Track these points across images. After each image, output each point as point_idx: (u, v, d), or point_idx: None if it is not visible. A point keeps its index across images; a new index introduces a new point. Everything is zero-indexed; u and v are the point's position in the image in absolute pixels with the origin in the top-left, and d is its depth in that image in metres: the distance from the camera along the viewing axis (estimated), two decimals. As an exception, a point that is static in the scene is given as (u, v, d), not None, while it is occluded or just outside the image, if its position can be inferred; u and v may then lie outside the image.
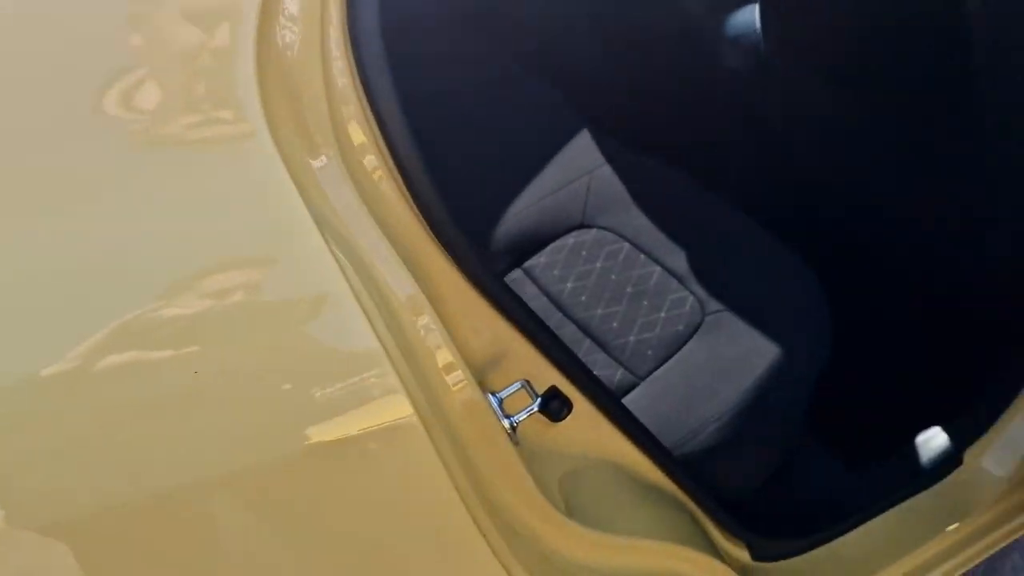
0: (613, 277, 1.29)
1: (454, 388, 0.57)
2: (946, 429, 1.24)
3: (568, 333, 1.25)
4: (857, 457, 1.24)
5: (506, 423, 0.65)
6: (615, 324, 1.23)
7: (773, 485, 1.16)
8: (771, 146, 1.62)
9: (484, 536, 0.54)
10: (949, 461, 1.22)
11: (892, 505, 1.19)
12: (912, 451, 1.23)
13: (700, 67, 1.62)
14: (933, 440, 1.24)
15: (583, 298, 1.28)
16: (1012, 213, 1.18)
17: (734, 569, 1.04)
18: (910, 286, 1.50)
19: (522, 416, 0.66)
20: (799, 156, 1.56)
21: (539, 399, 0.67)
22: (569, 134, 1.51)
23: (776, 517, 1.12)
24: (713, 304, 1.20)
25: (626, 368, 1.18)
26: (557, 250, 1.36)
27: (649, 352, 1.19)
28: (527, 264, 1.36)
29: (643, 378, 1.16)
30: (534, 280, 1.33)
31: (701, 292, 1.23)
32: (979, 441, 1.22)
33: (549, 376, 0.76)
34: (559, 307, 1.29)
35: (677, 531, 0.87)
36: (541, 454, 0.75)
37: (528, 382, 0.69)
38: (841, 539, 1.15)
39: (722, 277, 1.23)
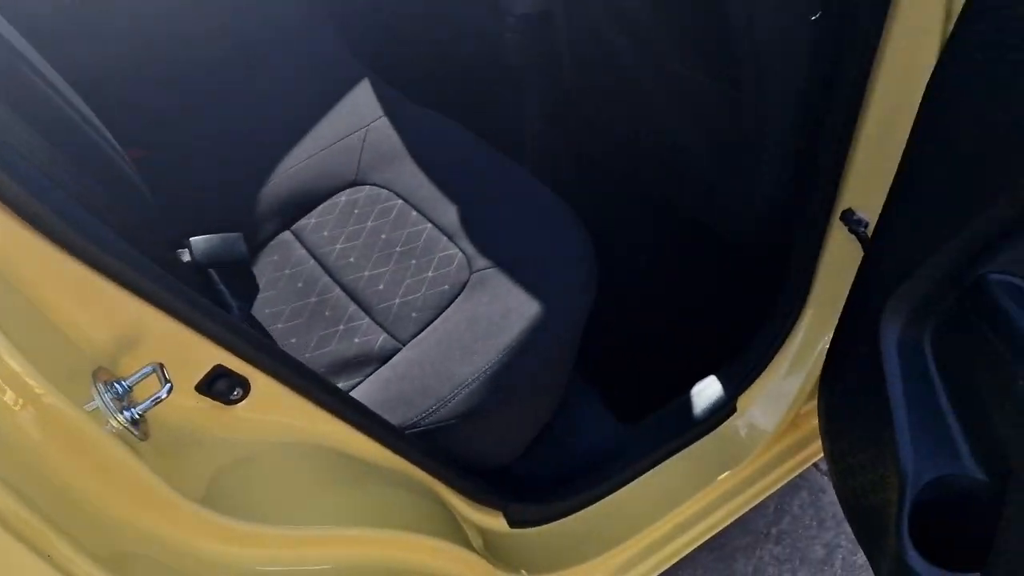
0: (383, 236, 1.22)
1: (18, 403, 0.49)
2: (719, 377, 1.24)
3: (334, 298, 1.17)
4: (629, 408, 1.23)
5: (123, 417, 0.57)
6: (381, 286, 1.17)
7: (539, 445, 1.13)
8: (552, 94, 1.57)
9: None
10: (722, 409, 1.22)
11: (666, 457, 1.18)
12: (686, 400, 1.22)
13: (481, 16, 1.54)
14: (707, 389, 1.23)
15: (352, 259, 1.21)
16: (772, 155, 1.17)
17: (488, 539, 1.01)
18: (680, 231, 1.49)
19: (148, 405, 0.59)
20: (582, 104, 1.51)
21: (168, 385, 0.59)
22: (349, 85, 1.42)
23: (540, 478, 1.09)
24: (480, 261, 1.15)
25: (389, 333, 1.12)
26: (328, 209, 1.27)
27: (413, 315, 1.12)
28: (297, 225, 1.27)
29: (405, 343, 1.10)
30: (302, 242, 1.25)
31: (470, 249, 1.17)
32: (750, 389, 1.22)
33: (217, 355, 0.68)
34: (327, 270, 1.21)
35: (397, 514, 0.81)
36: (205, 442, 0.67)
37: (161, 365, 0.61)
38: (613, 495, 1.13)
39: (491, 232, 1.18)
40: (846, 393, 1.02)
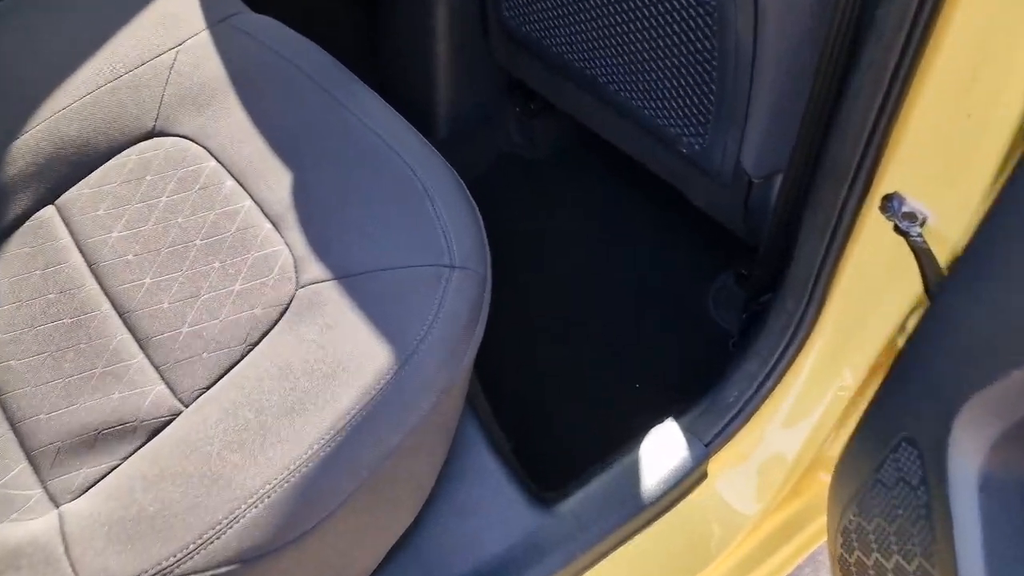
0: (179, 220, 0.80)
1: None
2: (681, 426, 0.85)
3: (98, 320, 0.76)
4: (548, 480, 0.84)
5: None
6: (165, 304, 0.76)
7: (401, 551, 0.74)
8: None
9: None
10: (686, 476, 0.83)
11: (605, 554, 0.80)
12: (631, 464, 0.83)
13: None
14: (663, 446, 0.84)
15: (130, 257, 0.79)
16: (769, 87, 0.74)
17: None
18: (631, 199, 1.07)
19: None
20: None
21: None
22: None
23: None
24: (313, 268, 0.74)
25: (166, 383, 0.72)
26: (110, 175, 0.85)
27: (204, 355, 0.72)
28: (64, 198, 0.85)
29: (187, 404, 0.71)
30: (68, 225, 0.83)
31: (301, 246, 0.76)
32: (727, 445, 0.83)
33: None
34: (95, 272, 0.80)
35: None
36: None
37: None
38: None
39: (337, 221, 0.76)
40: (881, 488, 0.64)
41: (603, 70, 0.97)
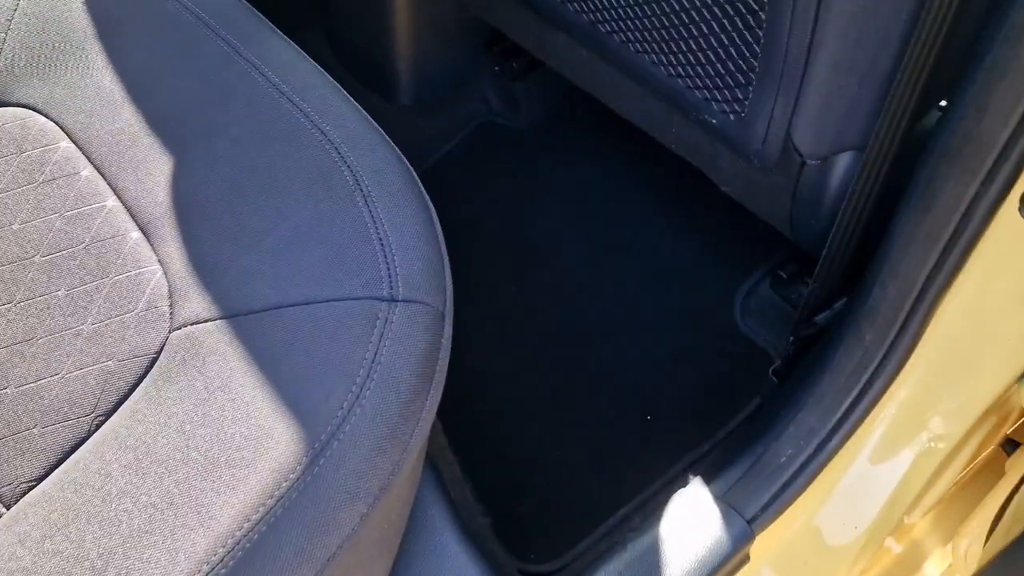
0: (14, 227, 0.57)
1: None
2: (713, 489, 0.64)
3: None
4: (536, 554, 0.63)
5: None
6: (-12, 349, 0.53)
7: None
8: None
9: None
10: (725, 560, 0.62)
11: None
12: (649, 539, 0.62)
13: None
14: (689, 515, 0.63)
15: (-54, 279, 0.56)
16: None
17: None
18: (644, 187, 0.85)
19: None
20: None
21: None
22: None
23: None
24: (195, 301, 0.51)
25: (-19, 471, 0.49)
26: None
27: (36, 430, 0.49)
28: None
29: (8, 504, 0.48)
30: None
31: (180, 264, 0.52)
32: (778, 519, 0.62)
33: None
34: None
35: None
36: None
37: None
38: None
39: (227, 228, 0.53)
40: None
41: (605, 15, 0.74)
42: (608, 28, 0.75)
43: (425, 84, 1.02)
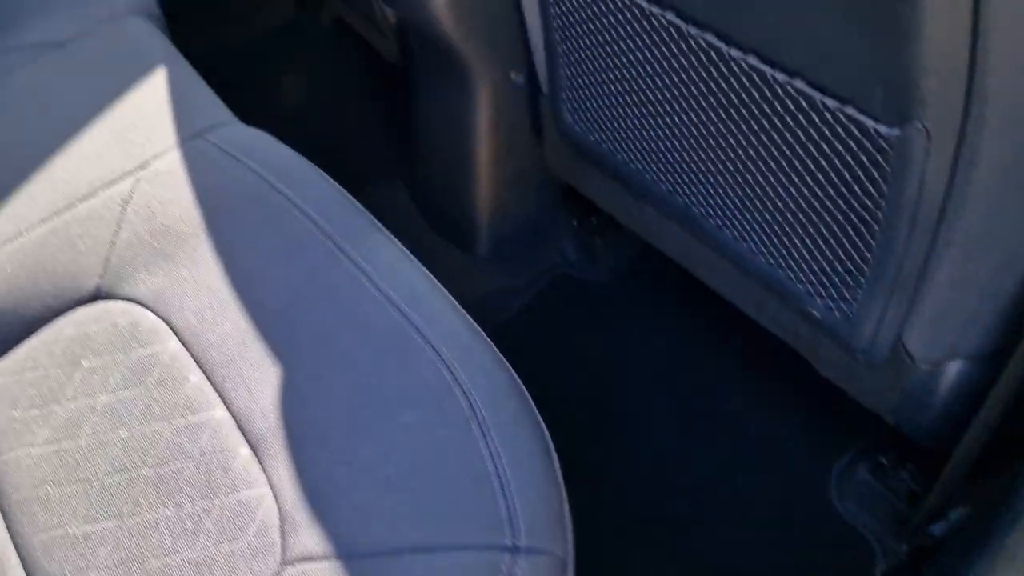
0: (123, 434, 0.57)
1: None
2: None
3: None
4: None
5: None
6: (93, 572, 0.52)
7: None
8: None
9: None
10: None
11: None
12: None
13: None
14: None
15: (50, 488, 0.56)
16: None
17: None
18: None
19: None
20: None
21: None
22: (124, 78, 0.75)
23: None
24: (306, 534, 0.50)
25: None
26: (36, 356, 0.62)
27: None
28: (-30, 386, 0.62)
29: None
30: (-28, 429, 0.60)
31: (291, 488, 0.52)
32: None
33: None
34: (1, 509, 0.56)
35: None
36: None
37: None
38: None
39: (344, 457, 0.52)
40: None
41: (700, 199, 0.73)
42: (704, 212, 0.74)
43: (503, 237, 1.03)
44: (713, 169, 0.68)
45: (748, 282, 0.76)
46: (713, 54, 0.60)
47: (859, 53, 0.50)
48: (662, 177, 0.76)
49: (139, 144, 0.70)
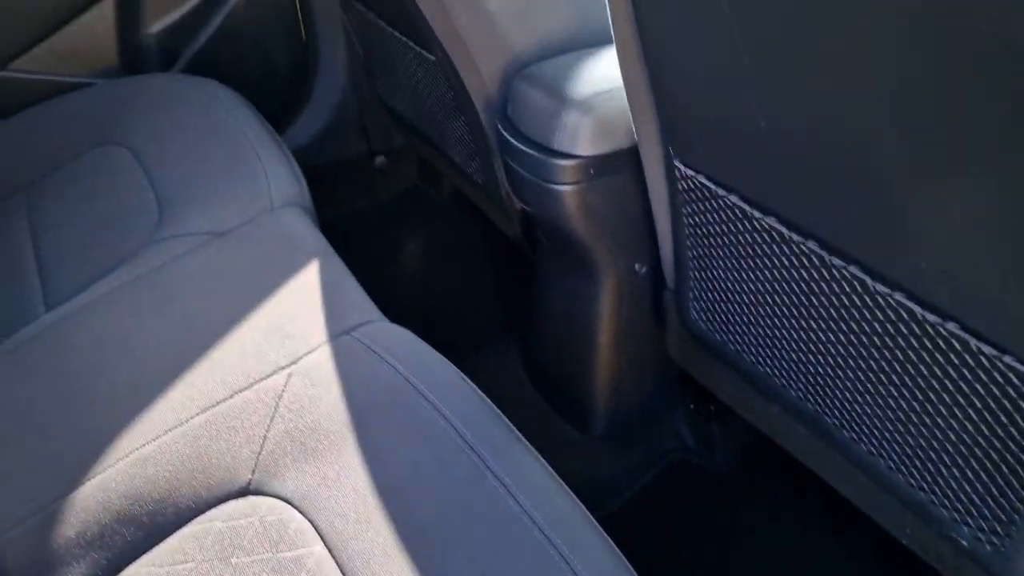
0: (267, 642, 0.58)
1: None
2: None
3: None
4: None
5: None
6: None
7: None
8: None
9: None
10: None
11: None
12: None
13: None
14: None
15: None
16: None
17: None
18: None
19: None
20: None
21: None
22: (276, 274, 0.81)
23: None
24: None
25: None
26: (186, 548, 0.65)
27: None
28: (125, 576, 0.65)
29: None
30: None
31: None
32: None
33: None
34: None
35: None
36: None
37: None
38: None
39: None
40: None
41: (835, 412, 0.73)
42: (837, 423, 0.73)
43: (619, 418, 1.03)
44: (851, 388, 0.68)
45: (883, 497, 0.74)
46: (857, 285, 0.61)
47: (1020, 305, 0.50)
48: (793, 384, 0.76)
49: (293, 338, 0.75)
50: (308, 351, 0.73)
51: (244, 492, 0.67)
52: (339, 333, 0.74)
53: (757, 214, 0.67)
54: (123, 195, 1.00)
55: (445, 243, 1.44)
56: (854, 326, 0.64)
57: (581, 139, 0.81)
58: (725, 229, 0.72)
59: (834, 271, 0.62)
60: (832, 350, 0.68)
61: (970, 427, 0.59)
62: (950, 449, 0.62)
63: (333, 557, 0.61)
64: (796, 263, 0.66)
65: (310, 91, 1.41)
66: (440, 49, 0.93)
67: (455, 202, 1.50)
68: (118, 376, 0.75)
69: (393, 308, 0.82)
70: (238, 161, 0.97)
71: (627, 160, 0.83)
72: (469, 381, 0.70)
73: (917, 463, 0.66)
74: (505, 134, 0.88)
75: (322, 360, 0.72)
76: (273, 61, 1.38)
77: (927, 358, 0.59)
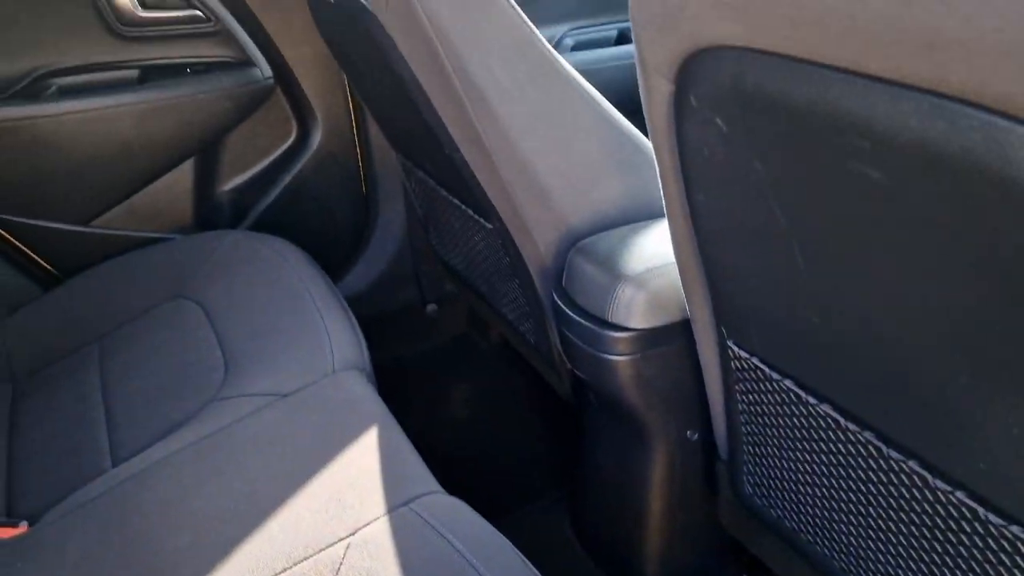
0: None
1: None
2: None
3: None
4: None
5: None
6: None
7: None
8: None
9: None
10: None
11: None
12: None
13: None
14: None
15: None
16: None
17: None
18: None
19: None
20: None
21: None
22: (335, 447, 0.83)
23: None
24: None
25: None
26: None
27: None
28: None
29: None
30: None
31: None
32: None
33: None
34: None
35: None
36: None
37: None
38: None
39: None
40: None
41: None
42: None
43: (671, 584, 1.01)
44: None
45: None
46: (916, 479, 0.61)
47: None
48: (853, 569, 0.75)
49: (352, 508, 0.76)
50: (367, 522, 0.74)
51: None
52: (397, 505, 0.76)
53: (812, 400, 0.68)
54: (192, 350, 1.05)
55: (494, 391, 1.46)
56: (915, 518, 0.63)
57: (635, 313, 0.84)
58: (780, 411, 0.73)
59: (892, 463, 0.63)
60: (894, 540, 0.67)
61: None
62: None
63: None
64: (853, 451, 0.66)
65: (367, 242, 1.48)
66: (498, 220, 0.98)
67: (503, 350, 1.53)
68: (181, 540, 0.77)
69: (440, 457, 0.84)
70: (302, 322, 1.02)
71: (680, 332, 0.86)
72: (525, 559, 0.71)
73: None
74: (560, 304, 0.91)
75: (380, 533, 0.73)
76: (334, 216, 1.45)
77: (992, 558, 0.58)
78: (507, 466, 1.30)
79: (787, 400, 0.71)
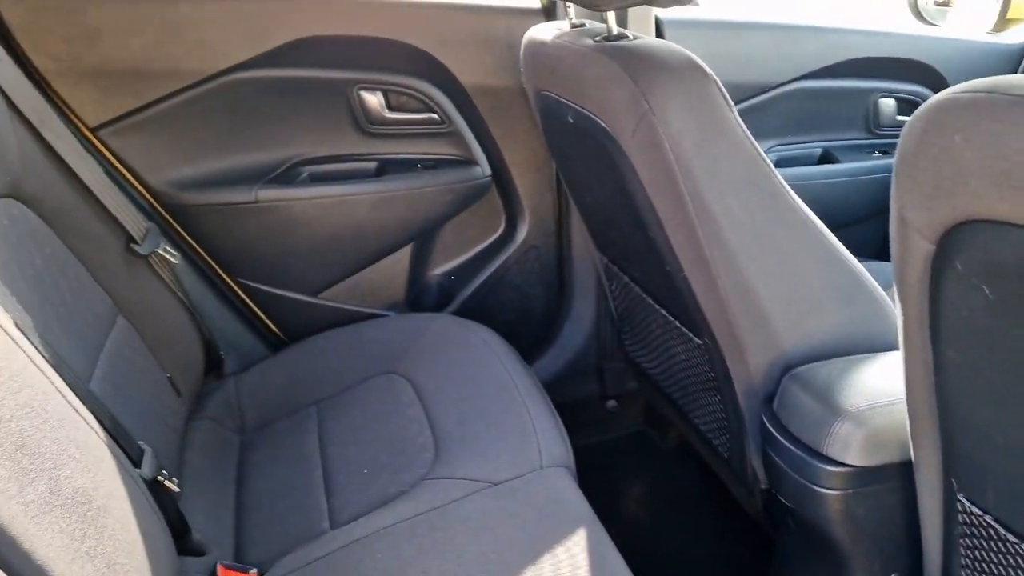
0: None
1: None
2: None
3: None
4: None
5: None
6: None
7: None
8: None
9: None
10: None
11: None
12: None
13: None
14: None
15: None
16: None
17: None
18: None
19: None
20: None
21: None
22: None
23: None
24: None
25: None
26: None
27: None
28: None
29: None
30: None
31: None
32: None
33: None
34: None
35: None
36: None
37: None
38: None
39: None
40: None
41: None
42: None
43: None
44: None
45: None
46: None
47: None
48: None
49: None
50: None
51: None
52: None
53: (1054, 569, 0.66)
54: (403, 425, 1.13)
55: (670, 492, 1.47)
56: None
57: (852, 449, 0.84)
58: (1013, 573, 0.71)
59: None
60: None
61: None
62: None
63: None
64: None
65: (558, 334, 1.55)
66: (710, 336, 1.01)
67: (678, 450, 1.54)
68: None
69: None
70: (509, 413, 1.08)
71: (897, 473, 0.85)
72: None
73: None
74: (771, 428, 0.92)
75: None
76: (530, 306, 1.53)
77: None
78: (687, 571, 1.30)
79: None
